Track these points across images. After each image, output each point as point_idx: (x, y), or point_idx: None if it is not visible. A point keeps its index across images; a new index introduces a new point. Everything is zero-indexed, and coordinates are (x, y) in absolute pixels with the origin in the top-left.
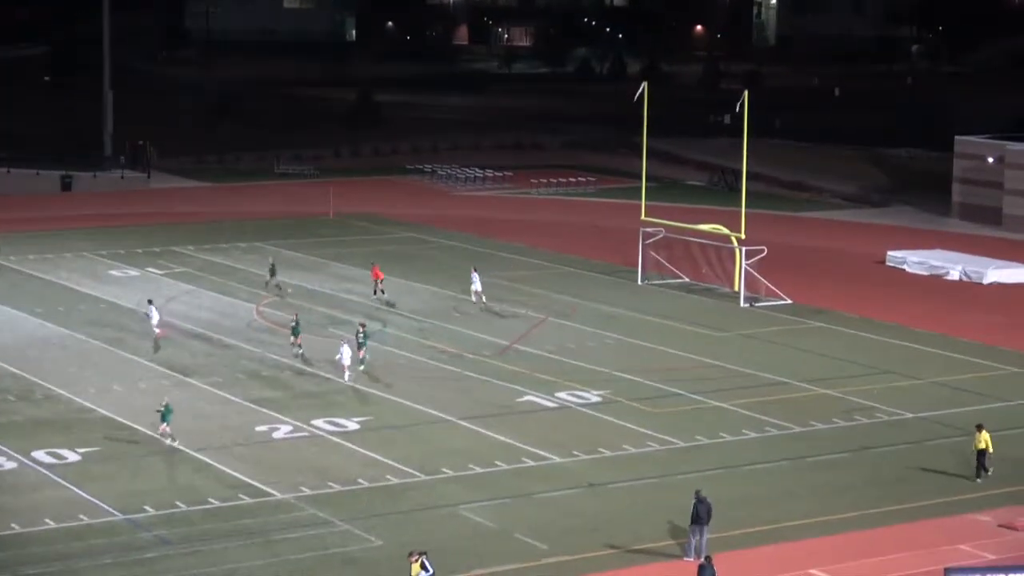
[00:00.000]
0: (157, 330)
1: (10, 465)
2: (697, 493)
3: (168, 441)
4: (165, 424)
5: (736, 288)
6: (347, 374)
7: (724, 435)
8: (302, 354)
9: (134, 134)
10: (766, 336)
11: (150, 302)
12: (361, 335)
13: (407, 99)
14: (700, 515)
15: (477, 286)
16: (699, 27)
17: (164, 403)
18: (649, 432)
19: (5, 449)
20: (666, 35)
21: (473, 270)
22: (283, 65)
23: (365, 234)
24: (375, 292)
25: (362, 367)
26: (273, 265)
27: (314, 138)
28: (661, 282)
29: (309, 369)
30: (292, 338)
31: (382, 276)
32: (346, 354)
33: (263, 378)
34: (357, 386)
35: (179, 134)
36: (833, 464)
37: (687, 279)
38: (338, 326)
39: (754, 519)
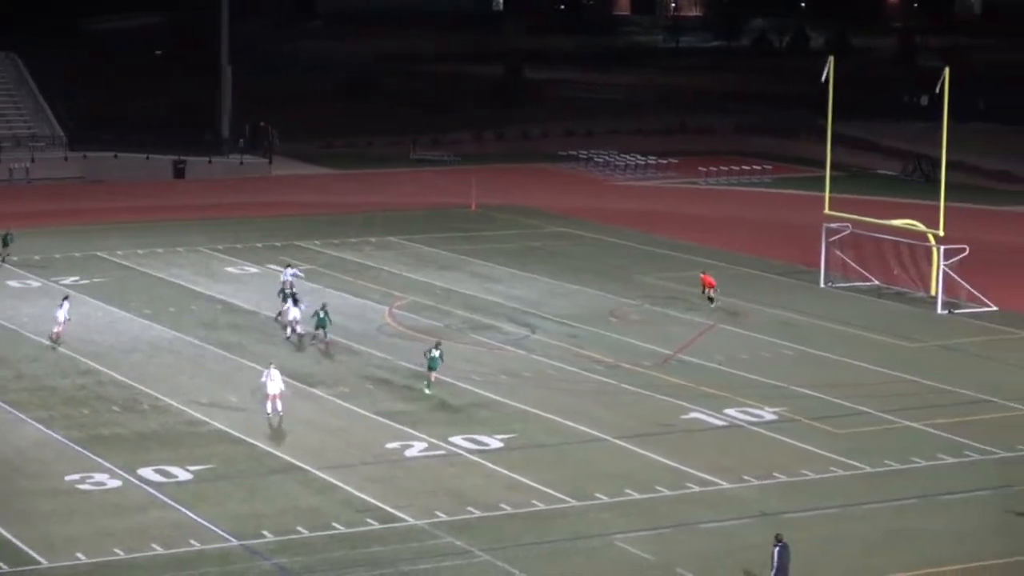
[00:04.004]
0: (57, 329)
1: (114, 484)
2: (778, 538)
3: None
4: None
5: (933, 292)
6: (269, 405)
7: (917, 460)
8: (325, 348)
9: (255, 115)
10: (967, 347)
11: (65, 298)
12: (433, 354)
13: (560, 76)
14: (782, 563)
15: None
16: None
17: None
18: (831, 455)
19: (109, 466)
20: (855, 4)
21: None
22: (422, 38)
23: (511, 228)
24: (710, 300)
25: (428, 391)
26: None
27: (455, 120)
28: (847, 285)
29: (446, 379)
30: (318, 330)
31: (715, 284)
32: (274, 380)
33: (395, 388)
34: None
35: (305, 115)
36: None
37: (877, 282)
38: (478, 331)
39: (952, 556)
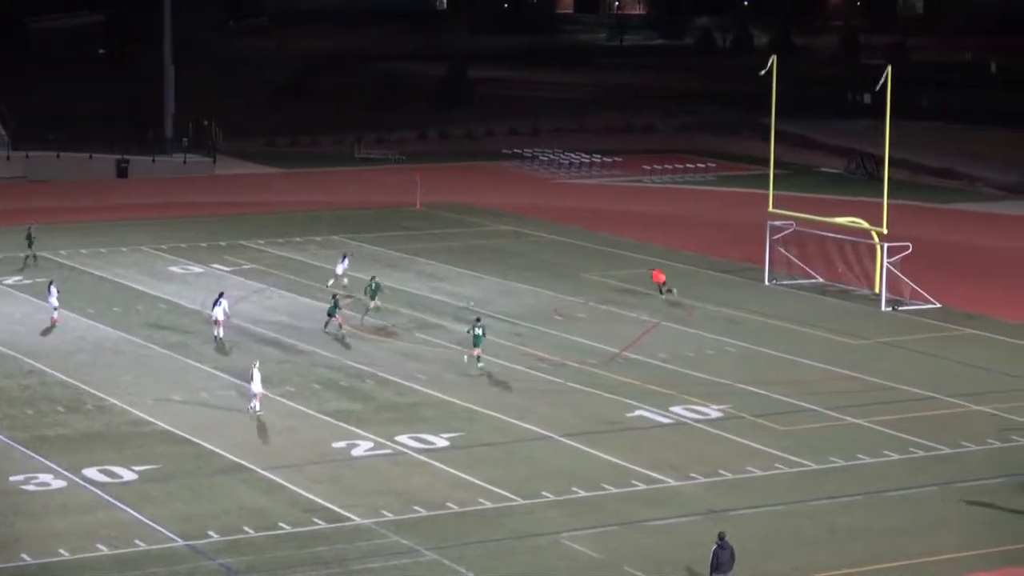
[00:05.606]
0: (55, 315)
1: (59, 484)
2: (720, 537)
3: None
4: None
5: (877, 290)
6: (252, 404)
7: (863, 456)
8: (343, 336)
9: (198, 114)
10: (911, 344)
11: (51, 283)
12: (479, 330)
13: (504, 75)
14: (722, 562)
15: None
16: None
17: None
18: (776, 452)
19: (53, 466)
20: (798, 2)
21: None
22: (365, 37)
23: (456, 227)
24: (662, 293)
25: (480, 365)
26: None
27: (399, 119)
28: (791, 282)
29: (392, 378)
30: (328, 317)
31: (663, 278)
32: (257, 380)
33: (341, 388)
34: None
35: (248, 114)
36: (988, 490)
37: (820, 279)
38: (425, 330)
39: (898, 552)
